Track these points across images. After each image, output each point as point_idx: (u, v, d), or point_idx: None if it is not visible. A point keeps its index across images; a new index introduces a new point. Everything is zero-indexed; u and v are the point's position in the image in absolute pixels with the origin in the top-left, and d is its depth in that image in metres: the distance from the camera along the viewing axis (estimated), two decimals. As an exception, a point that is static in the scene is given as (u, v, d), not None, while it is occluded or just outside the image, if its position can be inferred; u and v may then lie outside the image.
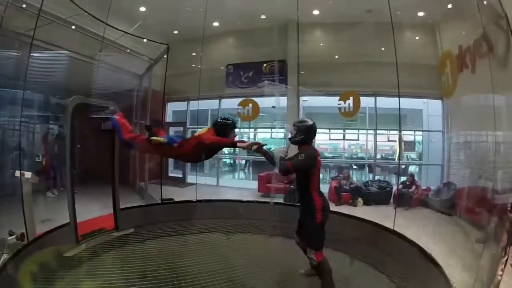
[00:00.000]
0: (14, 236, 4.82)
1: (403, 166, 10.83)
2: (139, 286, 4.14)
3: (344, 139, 12.58)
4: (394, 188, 9.04)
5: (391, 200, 8.85)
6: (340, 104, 8.69)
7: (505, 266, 3.19)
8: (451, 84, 7.48)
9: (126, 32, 8.09)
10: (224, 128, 4.05)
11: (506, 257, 3.20)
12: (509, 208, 3.49)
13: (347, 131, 12.29)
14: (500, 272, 3.14)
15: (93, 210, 6.98)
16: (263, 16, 9.61)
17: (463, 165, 8.15)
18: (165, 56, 8.64)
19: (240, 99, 9.66)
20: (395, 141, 12.32)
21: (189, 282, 4.24)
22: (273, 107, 9.58)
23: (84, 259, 5.03)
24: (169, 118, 11.29)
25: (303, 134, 3.84)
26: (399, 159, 10.26)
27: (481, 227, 5.75)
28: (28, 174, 5.12)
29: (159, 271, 4.56)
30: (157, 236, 6.21)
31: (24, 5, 6.55)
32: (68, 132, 5.78)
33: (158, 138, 4.12)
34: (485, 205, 5.72)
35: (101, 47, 7.59)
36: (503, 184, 4.31)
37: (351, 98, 8.56)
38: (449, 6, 7.91)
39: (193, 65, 9.39)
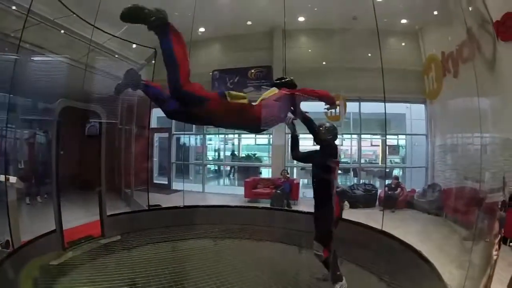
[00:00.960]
0: (-1, 243, 4.70)
1: (388, 170, 10.97)
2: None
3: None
4: (379, 191, 9.15)
5: (377, 203, 8.94)
6: (326, 108, 8.77)
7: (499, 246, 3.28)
8: (436, 87, 7.65)
9: (113, 35, 7.98)
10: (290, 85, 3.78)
11: (499, 236, 3.31)
12: (499, 206, 3.60)
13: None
14: (495, 253, 3.23)
15: (79, 217, 6.85)
16: (249, 22, 9.67)
17: (447, 166, 8.31)
18: (152, 61, 8.56)
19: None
20: (378, 145, 12.53)
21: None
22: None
23: (71, 267, 4.93)
24: (153, 124, 11.19)
25: (332, 135, 4.13)
26: (385, 162, 10.43)
27: (468, 226, 5.91)
28: (13, 179, 5.01)
29: (148, 278, 4.50)
30: (146, 243, 6.13)
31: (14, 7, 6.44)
32: (54, 136, 5.65)
33: (238, 94, 3.06)
34: (472, 204, 5.87)
35: (88, 50, 7.48)
36: (491, 184, 4.41)
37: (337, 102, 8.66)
38: (435, 13, 8.07)
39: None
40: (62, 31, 7.76)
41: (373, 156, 12.91)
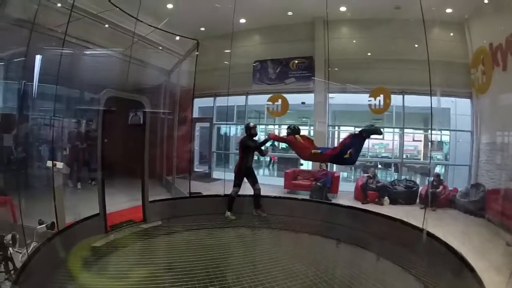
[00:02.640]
0: (44, 225, 4.94)
1: (429, 167, 10.65)
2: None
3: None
4: (421, 188, 8.93)
5: (417, 200, 8.74)
6: (370, 100, 8.73)
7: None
8: (486, 80, 7.36)
9: (156, 27, 8.18)
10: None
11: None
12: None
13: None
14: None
15: (121, 202, 7.13)
16: (290, 13, 9.61)
17: (494, 166, 8.00)
18: (194, 51, 8.70)
19: (267, 96, 9.75)
20: (420, 141, 12.20)
21: (219, 275, 4.26)
22: (303, 103, 9.62)
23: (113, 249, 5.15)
24: (195, 113, 11.40)
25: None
26: (429, 158, 10.17)
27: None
28: (60, 165, 5.26)
29: (186, 263, 4.64)
30: (185, 230, 6.29)
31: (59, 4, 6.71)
32: (100, 124, 5.86)
33: (317, 151, 5.53)
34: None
35: (132, 43, 7.71)
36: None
37: (381, 95, 8.56)
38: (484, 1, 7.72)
39: (221, 61, 9.43)
40: (106, 25, 8.03)
41: (415, 152, 12.59)
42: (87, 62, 7.64)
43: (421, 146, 12.39)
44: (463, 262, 4.19)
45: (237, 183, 6.87)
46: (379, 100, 8.66)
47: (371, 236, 5.76)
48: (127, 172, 7.99)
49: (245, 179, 7.03)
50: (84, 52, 7.49)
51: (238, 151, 7.27)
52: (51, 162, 5.28)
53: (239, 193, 6.95)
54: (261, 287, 3.94)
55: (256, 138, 7.10)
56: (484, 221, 7.20)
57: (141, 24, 7.67)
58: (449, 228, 6.14)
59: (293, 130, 5.97)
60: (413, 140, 12.35)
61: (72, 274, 4.09)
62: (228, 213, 6.82)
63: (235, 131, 12.74)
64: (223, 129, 12.57)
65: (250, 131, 6.93)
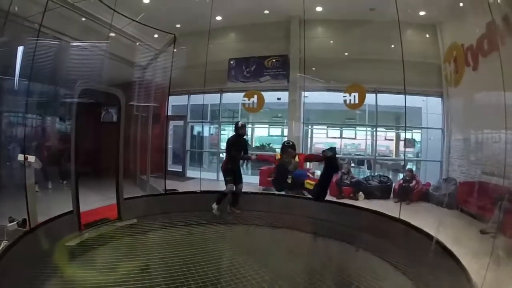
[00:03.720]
0: (15, 222, 4.73)
1: (402, 163, 10.91)
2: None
3: (341, 137, 12.62)
4: (394, 183, 9.13)
5: (391, 194, 8.92)
6: (345, 96, 8.90)
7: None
8: (458, 73, 7.61)
9: (134, 20, 8.03)
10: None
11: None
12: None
13: (344, 129, 12.32)
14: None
15: (95, 201, 6.93)
16: (266, 12, 9.64)
17: (464, 161, 8.27)
18: (171, 46, 8.60)
19: (242, 94, 9.74)
20: (392, 140, 12.45)
21: (195, 272, 4.18)
22: (279, 98, 9.66)
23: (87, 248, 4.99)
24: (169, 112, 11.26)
25: None
26: (404, 154, 10.43)
27: (484, 219, 5.90)
28: (31, 158, 5.04)
29: (161, 260, 4.55)
30: (161, 228, 6.18)
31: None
32: (74, 118, 5.68)
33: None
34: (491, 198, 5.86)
35: (108, 35, 7.54)
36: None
37: (356, 91, 8.71)
38: (461, 4, 7.96)
39: (196, 58, 9.33)
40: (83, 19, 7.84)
41: (387, 151, 12.82)
42: (62, 55, 7.39)
43: (393, 145, 12.62)
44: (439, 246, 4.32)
45: (228, 180, 6.63)
46: (354, 96, 8.78)
47: (348, 228, 5.86)
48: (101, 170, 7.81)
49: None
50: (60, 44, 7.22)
51: (224, 149, 7.16)
52: (22, 156, 5.07)
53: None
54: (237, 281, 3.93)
55: (245, 137, 7.03)
56: (458, 212, 7.42)
57: (117, 18, 7.52)
58: (425, 220, 6.26)
59: (288, 146, 5.14)
60: (385, 139, 12.56)
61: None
62: (215, 206, 6.69)
63: (208, 130, 12.65)
64: (197, 128, 12.43)
65: (238, 131, 6.70)
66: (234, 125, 6.92)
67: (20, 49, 6.21)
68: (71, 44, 7.44)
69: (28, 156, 5.07)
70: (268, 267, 4.30)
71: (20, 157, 5.11)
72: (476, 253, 4.27)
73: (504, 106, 4.59)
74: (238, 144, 6.74)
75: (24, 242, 4.29)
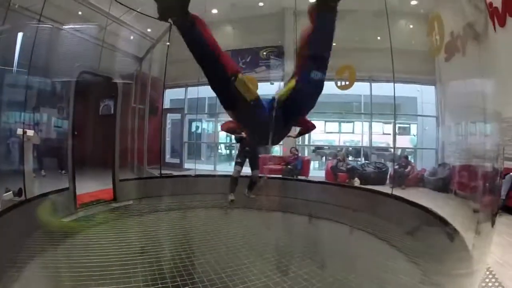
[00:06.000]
0: (11, 191, 4.81)
1: (399, 152, 10.94)
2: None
3: (340, 132, 12.68)
4: (390, 169, 9.17)
5: (387, 180, 8.95)
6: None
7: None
8: (439, 43, 7.67)
9: (130, 8, 8.12)
10: None
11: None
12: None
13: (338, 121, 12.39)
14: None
15: (92, 186, 7.00)
16: (261, 4, 9.77)
17: (457, 147, 8.32)
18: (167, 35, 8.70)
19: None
20: (390, 134, 12.48)
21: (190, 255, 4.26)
22: (272, 83, 9.74)
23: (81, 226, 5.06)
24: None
25: None
26: (394, 142, 10.46)
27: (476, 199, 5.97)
28: (30, 133, 5.14)
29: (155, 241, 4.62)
30: (156, 210, 6.24)
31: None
32: (72, 103, 5.80)
33: None
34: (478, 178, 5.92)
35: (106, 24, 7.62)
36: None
37: (346, 71, 8.74)
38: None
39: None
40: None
41: (384, 144, 12.83)
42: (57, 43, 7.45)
43: (390, 140, 12.63)
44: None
45: (238, 162, 6.55)
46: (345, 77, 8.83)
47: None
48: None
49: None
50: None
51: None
52: (21, 130, 5.18)
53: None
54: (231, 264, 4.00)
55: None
56: (452, 195, 7.46)
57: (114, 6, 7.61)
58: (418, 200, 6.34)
59: None
60: (383, 134, 12.58)
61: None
62: (231, 196, 6.58)
63: (206, 125, 12.71)
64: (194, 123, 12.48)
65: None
66: None
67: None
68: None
69: (27, 130, 5.18)
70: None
71: (19, 131, 5.21)
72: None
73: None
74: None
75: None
